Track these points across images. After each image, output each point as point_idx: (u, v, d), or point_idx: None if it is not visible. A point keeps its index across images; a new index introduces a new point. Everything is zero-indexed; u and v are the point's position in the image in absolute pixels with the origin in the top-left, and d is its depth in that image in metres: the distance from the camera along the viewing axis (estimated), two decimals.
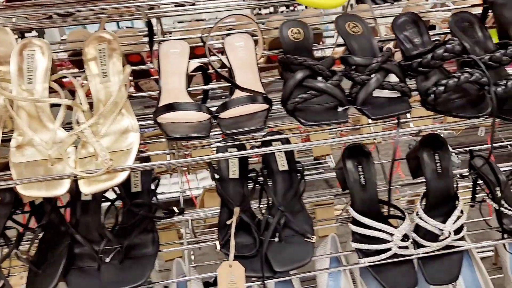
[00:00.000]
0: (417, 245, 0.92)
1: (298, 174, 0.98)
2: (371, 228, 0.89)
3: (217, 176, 0.97)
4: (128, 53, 1.12)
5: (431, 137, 0.97)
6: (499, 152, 1.77)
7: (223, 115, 0.78)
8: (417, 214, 0.92)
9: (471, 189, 1.06)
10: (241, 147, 1.00)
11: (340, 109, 0.79)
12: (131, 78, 1.02)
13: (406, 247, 0.92)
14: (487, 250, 1.66)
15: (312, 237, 0.91)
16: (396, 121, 0.82)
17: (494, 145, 0.81)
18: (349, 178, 0.94)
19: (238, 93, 0.83)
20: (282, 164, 0.98)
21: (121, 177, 0.74)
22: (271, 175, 0.98)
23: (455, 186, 0.96)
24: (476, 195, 1.05)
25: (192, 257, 1.46)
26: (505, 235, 0.97)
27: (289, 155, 0.99)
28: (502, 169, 1.03)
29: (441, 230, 0.89)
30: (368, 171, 0.95)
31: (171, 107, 0.75)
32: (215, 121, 0.78)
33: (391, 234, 0.87)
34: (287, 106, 0.79)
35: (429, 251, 0.91)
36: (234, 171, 0.97)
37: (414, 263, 0.93)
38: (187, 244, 1.00)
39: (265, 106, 0.80)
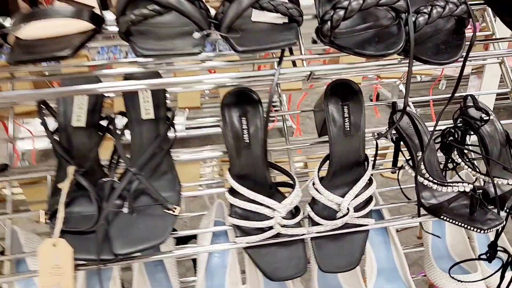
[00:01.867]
0: (312, 223, 0.73)
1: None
2: (250, 201, 0.68)
3: (54, 125, 0.72)
4: None
5: (341, 84, 0.75)
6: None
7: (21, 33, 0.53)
8: (313, 184, 0.72)
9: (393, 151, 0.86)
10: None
11: (196, 35, 0.54)
12: None
13: (299, 225, 0.72)
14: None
15: (175, 208, 0.69)
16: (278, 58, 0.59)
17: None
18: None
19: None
20: (147, 110, 0.75)
21: None
22: (130, 125, 0.74)
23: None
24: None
25: None
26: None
27: (158, 98, 0.75)
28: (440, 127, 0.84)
29: (339, 205, 0.69)
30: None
31: None
32: None
33: (273, 209, 0.67)
34: (118, 25, 0.54)
35: (322, 230, 0.71)
36: (79, 118, 0.73)
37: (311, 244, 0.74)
38: None
39: (90, 26, 0.55)
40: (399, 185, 0.82)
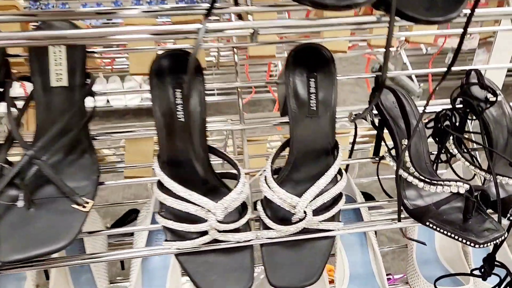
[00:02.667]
0: (263, 225, 0.58)
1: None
2: (179, 198, 0.53)
3: None
4: None
5: (308, 49, 0.58)
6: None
7: None
8: (265, 180, 0.56)
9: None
10: None
11: None
12: None
13: (247, 227, 0.57)
14: None
15: (86, 202, 0.54)
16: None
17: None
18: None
19: None
20: (59, 76, 0.58)
21: None
22: (35, 93, 0.58)
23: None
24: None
25: None
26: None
27: (74, 60, 0.59)
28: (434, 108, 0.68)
29: (294, 207, 0.54)
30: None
31: None
32: None
33: (207, 210, 0.52)
34: None
35: (274, 236, 0.56)
36: None
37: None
38: None
39: None
40: (379, 179, 0.66)
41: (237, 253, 0.57)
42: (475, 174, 0.64)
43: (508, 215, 0.59)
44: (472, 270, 0.63)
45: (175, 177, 0.54)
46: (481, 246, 0.54)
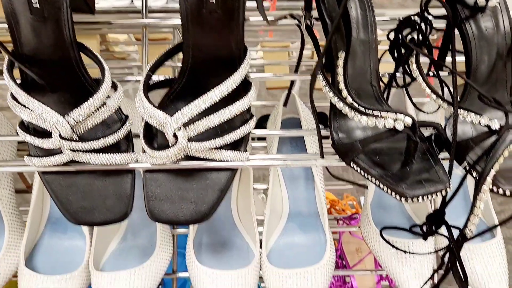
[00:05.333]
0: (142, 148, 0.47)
1: None
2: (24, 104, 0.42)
3: None
4: None
5: None
6: None
7: None
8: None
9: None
10: None
11: None
12: None
13: (126, 147, 0.47)
14: None
15: None
16: None
17: None
18: None
19: None
20: None
21: None
22: None
23: None
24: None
25: None
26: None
27: None
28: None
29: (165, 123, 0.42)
30: None
31: None
32: None
33: (55, 122, 0.41)
34: None
35: (150, 162, 0.45)
36: None
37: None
38: None
39: None
40: (312, 103, 0.51)
41: (115, 177, 0.48)
42: (439, 107, 0.48)
43: (465, 162, 0.44)
44: (411, 227, 0.50)
45: (34, 82, 0.43)
46: (409, 200, 0.41)
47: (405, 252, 0.57)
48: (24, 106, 0.42)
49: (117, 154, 0.45)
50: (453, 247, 0.44)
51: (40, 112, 0.41)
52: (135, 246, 0.64)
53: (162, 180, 0.47)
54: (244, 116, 0.47)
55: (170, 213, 0.46)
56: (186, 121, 0.41)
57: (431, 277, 0.52)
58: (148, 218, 0.65)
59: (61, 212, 0.46)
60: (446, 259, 0.47)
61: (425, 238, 0.48)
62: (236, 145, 0.46)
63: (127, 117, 0.47)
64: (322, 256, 0.58)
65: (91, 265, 0.58)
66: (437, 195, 0.41)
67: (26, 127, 0.46)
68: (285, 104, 0.65)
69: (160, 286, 0.66)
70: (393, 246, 0.57)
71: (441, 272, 0.49)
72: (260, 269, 0.60)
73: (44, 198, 0.64)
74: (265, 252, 0.59)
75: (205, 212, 0.46)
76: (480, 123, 0.43)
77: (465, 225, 0.43)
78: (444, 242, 0.58)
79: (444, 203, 0.45)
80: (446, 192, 0.41)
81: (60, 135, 0.41)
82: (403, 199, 0.41)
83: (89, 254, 0.60)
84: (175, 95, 0.47)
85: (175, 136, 0.41)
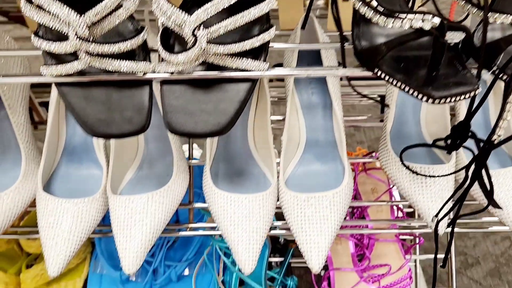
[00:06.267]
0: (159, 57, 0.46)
1: None
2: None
3: None
4: None
5: None
6: None
7: None
8: None
9: None
10: None
11: None
12: None
13: (143, 58, 0.46)
14: None
15: None
16: None
17: None
18: None
19: None
20: None
21: None
22: None
23: None
24: None
25: None
26: None
27: None
28: None
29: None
30: None
31: None
32: None
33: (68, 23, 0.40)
34: None
35: (167, 71, 0.44)
36: None
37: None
38: None
39: None
40: (333, 13, 0.49)
41: (132, 89, 0.47)
42: (468, 15, 0.46)
43: (494, 66, 0.42)
44: (434, 141, 0.49)
45: None
46: (436, 101, 0.39)
47: (425, 176, 0.56)
48: (39, 7, 0.41)
49: (134, 62, 0.44)
50: (479, 156, 0.43)
51: (56, 11, 0.40)
52: (152, 175, 0.64)
53: (180, 92, 0.46)
54: (264, 25, 0.46)
55: (188, 125, 0.45)
56: (206, 19, 0.40)
57: (453, 195, 0.51)
58: (164, 149, 0.66)
59: (78, 124, 0.46)
60: (470, 172, 0.45)
61: (449, 152, 0.47)
62: (256, 55, 0.45)
63: (143, 27, 0.46)
64: (340, 183, 0.58)
65: (109, 190, 0.58)
66: (465, 97, 0.40)
67: (41, 37, 0.45)
68: (303, 27, 0.63)
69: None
70: (413, 171, 0.57)
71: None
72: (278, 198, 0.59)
73: (59, 127, 0.64)
74: (282, 179, 0.59)
75: (224, 124, 0.45)
76: (511, 23, 0.41)
77: (493, 130, 0.41)
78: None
79: (470, 114, 0.44)
80: (475, 94, 0.40)
81: (76, 35, 0.40)
82: (430, 100, 0.39)
83: (106, 180, 0.60)
84: (192, 2, 0.45)
85: (194, 35, 0.40)
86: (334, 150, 0.63)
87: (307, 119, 0.64)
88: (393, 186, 0.85)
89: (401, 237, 0.86)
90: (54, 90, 0.62)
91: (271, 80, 0.88)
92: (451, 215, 0.51)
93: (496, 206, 0.45)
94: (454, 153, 0.59)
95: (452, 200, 0.51)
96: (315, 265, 0.52)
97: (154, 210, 0.56)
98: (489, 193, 0.44)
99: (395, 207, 0.86)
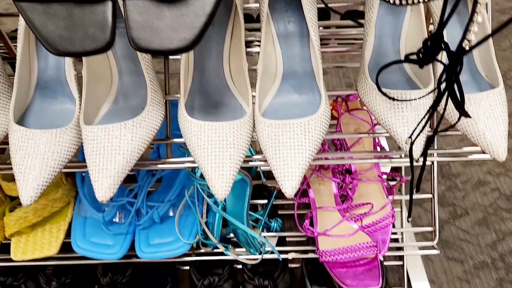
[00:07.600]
0: None
1: None
2: None
3: None
4: None
5: None
6: None
7: None
8: None
9: None
10: None
11: None
12: None
13: None
14: None
15: None
16: None
17: None
18: None
19: None
20: None
21: None
22: None
23: None
24: None
25: None
26: None
27: None
28: None
29: None
30: None
31: None
32: None
33: None
34: None
35: None
36: None
37: None
38: None
39: None
40: None
41: (95, 5, 0.45)
42: None
43: None
44: (407, 56, 0.47)
45: None
46: None
47: (401, 101, 0.55)
48: None
49: None
50: (450, 65, 0.42)
51: None
52: (127, 108, 0.63)
53: (144, 8, 0.45)
54: None
55: (154, 42, 0.44)
56: None
57: (427, 114, 0.50)
58: (139, 81, 0.65)
59: (41, 43, 0.45)
60: (442, 86, 0.45)
61: (421, 66, 0.46)
62: None
63: None
64: (316, 111, 0.57)
65: (82, 121, 0.57)
66: None
67: None
68: None
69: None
70: (389, 97, 0.56)
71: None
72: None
73: (31, 61, 0.63)
74: (258, 109, 0.58)
75: (191, 40, 0.44)
76: None
77: (464, 36, 0.40)
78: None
79: (442, 23, 0.43)
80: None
81: None
82: None
83: (79, 112, 0.59)
84: None
85: None
86: (312, 81, 0.62)
87: (283, 49, 0.63)
88: (375, 125, 0.85)
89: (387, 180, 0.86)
90: (22, 21, 0.60)
91: None
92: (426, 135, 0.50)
93: (467, 115, 0.45)
94: (432, 80, 0.57)
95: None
96: (289, 189, 0.52)
97: (127, 139, 0.56)
98: (460, 104, 0.43)
99: (378, 147, 0.85)
